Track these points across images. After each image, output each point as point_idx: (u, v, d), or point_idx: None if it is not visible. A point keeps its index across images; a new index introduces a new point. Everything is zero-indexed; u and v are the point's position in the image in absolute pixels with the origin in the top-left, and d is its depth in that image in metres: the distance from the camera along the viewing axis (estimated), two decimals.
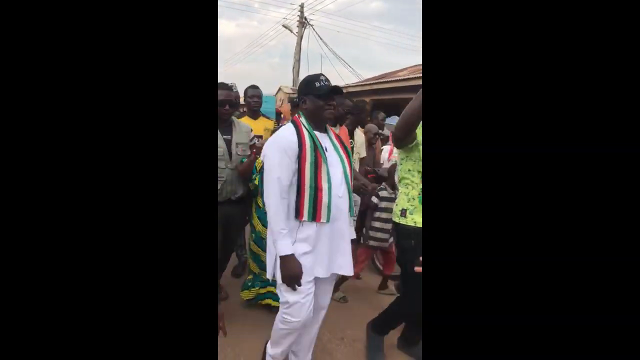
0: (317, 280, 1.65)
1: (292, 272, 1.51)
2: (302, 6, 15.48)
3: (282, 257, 1.52)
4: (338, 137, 1.74)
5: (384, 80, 7.97)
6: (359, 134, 2.93)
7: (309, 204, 1.55)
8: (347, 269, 1.69)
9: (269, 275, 1.67)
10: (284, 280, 1.55)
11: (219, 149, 2.16)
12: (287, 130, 1.60)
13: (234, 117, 2.36)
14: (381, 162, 3.61)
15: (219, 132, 2.18)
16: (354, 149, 2.77)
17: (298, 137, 1.55)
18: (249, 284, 2.39)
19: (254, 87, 3.14)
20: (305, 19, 15.11)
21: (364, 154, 2.94)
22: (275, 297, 2.21)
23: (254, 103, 3.06)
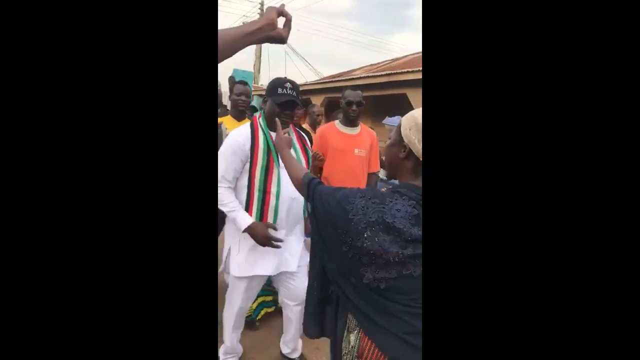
0: (275, 278, 1.74)
1: (263, 236, 1.54)
2: (262, 3, 15.36)
3: (247, 229, 1.55)
4: (300, 138, 1.76)
5: (340, 79, 8.21)
6: None
7: (257, 206, 1.57)
8: (292, 265, 1.71)
9: (221, 268, 1.71)
10: (261, 244, 1.57)
11: None
12: (242, 132, 1.60)
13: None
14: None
15: None
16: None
17: (252, 139, 1.56)
18: None
19: (244, 83, 2.57)
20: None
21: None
22: (268, 304, 2.31)
23: (241, 102, 2.44)
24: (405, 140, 0.85)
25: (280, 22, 0.87)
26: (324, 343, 2.15)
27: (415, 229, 0.78)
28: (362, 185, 2.31)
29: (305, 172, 1.05)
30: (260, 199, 1.56)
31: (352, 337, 0.91)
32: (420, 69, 5.36)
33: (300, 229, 1.78)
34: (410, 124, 0.86)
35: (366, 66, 11.03)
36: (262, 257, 1.61)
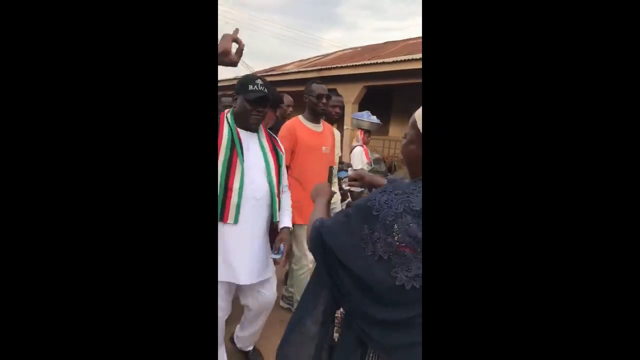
0: (240, 287, 1.62)
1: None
2: None
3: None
4: (271, 139, 1.68)
5: (272, 73, 8.20)
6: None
7: (218, 203, 1.48)
8: (266, 273, 1.62)
9: None
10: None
11: None
12: None
13: None
14: (356, 166, 3.35)
15: None
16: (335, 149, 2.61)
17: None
18: None
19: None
20: None
21: (340, 152, 2.79)
22: None
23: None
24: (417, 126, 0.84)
25: (234, 46, 0.98)
26: (274, 334, 2.15)
27: None
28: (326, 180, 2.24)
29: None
30: (221, 195, 1.47)
31: None
32: (349, 64, 5.59)
33: (266, 232, 1.65)
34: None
35: (297, 61, 11.12)
36: (230, 264, 1.52)
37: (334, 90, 2.30)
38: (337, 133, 2.76)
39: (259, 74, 9.14)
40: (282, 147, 1.73)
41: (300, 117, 2.27)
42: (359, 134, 3.63)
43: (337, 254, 0.83)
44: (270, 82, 7.36)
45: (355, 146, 3.55)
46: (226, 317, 1.68)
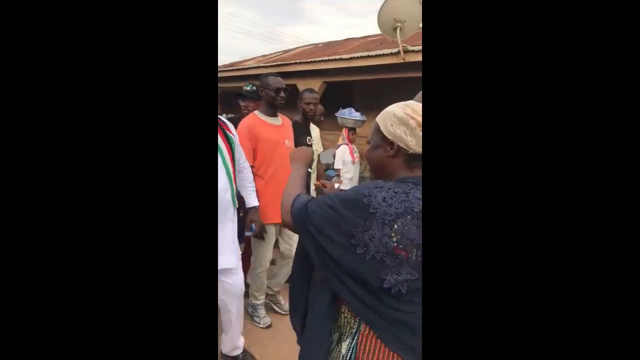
0: (219, 274, 1.65)
1: None
2: None
3: None
4: (220, 126, 1.69)
5: (232, 68, 8.14)
6: (314, 128, 2.73)
7: None
8: (231, 262, 1.68)
9: None
10: None
11: None
12: None
13: None
14: (337, 165, 3.28)
15: None
16: (312, 146, 2.59)
17: None
18: None
19: None
20: None
21: (320, 149, 2.76)
22: None
23: None
24: (391, 137, 0.83)
25: None
26: (265, 335, 2.20)
27: None
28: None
29: (299, 193, 0.91)
30: None
31: (344, 346, 0.85)
32: (308, 60, 5.69)
33: (231, 223, 1.70)
34: (391, 120, 0.83)
35: (258, 57, 11.05)
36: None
37: (295, 86, 2.37)
38: (315, 129, 2.76)
39: (221, 69, 8.99)
40: (232, 131, 1.76)
41: (256, 112, 2.24)
42: (344, 132, 3.59)
43: (324, 247, 0.78)
44: (230, 77, 7.19)
45: (340, 145, 3.52)
46: None
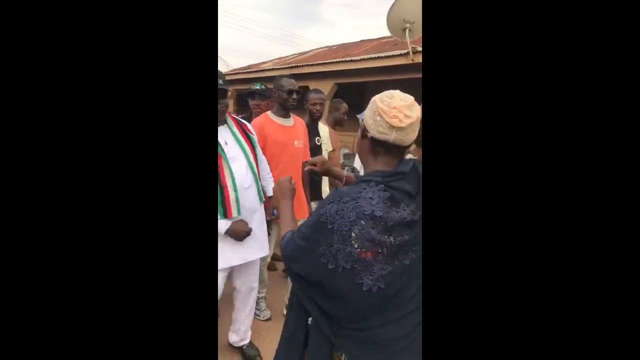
0: (237, 266, 1.74)
1: (244, 231, 1.61)
2: None
3: (228, 231, 1.58)
4: (240, 125, 1.77)
5: (249, 71, 8.37)
6: (322, 128, 2.75)
7: (218, 202, 1.55)
8: (261, 252, 1.79)
9: None
10: (240, 239, 1.63)
11: None
12: None
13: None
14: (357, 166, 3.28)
15: None
16: (322, 145, 2.61)
17: None
18: None
19: None
20: None
21: (331, 148, 2.77)
22: None
23: None
24: (365, 125, 0.86)
25: None
26: (270, 327, 2.30)
27: (393, 212, 0.77)
28: (300, 175, 2.23)
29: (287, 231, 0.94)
30: (219, 194, 1.56)
31: None
32: (320, 62, 5.85)
33: (260, 215, 1.79)
34: (368, 111, 0.85)
35: (275, 59, 11.27)
36: (232, 249, 1.64)
37: (307, 88, 2.37)
38: (324, 128, 2.74)
39: (237, 71, 9.20)
40: (251, 130, 1.84)
41: (269, 112, 2.29)
42: None
43: (305, 277, 0.83)
44: (247, 79, 7.33)
45: None
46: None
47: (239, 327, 1.97)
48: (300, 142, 2.30)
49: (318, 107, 2.55)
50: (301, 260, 0.83)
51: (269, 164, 2.15)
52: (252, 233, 1.69)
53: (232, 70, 11.14)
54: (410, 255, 0.80)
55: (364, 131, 0.86)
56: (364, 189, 0.79)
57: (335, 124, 2.98)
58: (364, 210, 0.75)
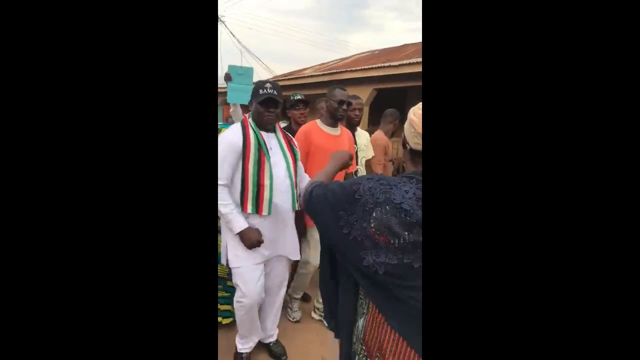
0: (267, 262, 1.80)
1: (253, 241, 1.65)
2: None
3: (240, 233, 1.64)
4: (287, 137, 1.86)
5: (290, 77, 8.56)
6: (361, 134, 2.75)
7: (252, 199, 1.65)
8: (294, 254, 1.85)
9: (222, 261, 1.78)
10: (248, 247, 1.67)
11: None
12: (233, 131, 1.71)
13: None
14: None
15: None
16: (357, 152, 2.60)
17: (243, 137, 1.66)
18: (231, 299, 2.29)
19: None
20: (217, 15, 15.00)
21: (369, 155, 2.76)
22: (225, 314, 2.24)
23: None
24: (404, 136, 0.89)
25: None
26: (299, 329, 2.34)
27: (419, 211, 0.77)
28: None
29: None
30: (254, 192, 1.65)
31: (360, 322, 0.91)
32: (358, 68, 5.87)
33: (290, 221, 1.85)
34: (406, 123, 0.87)
35: (316, 65, 11.45)
36: (257, 249, 1.71)
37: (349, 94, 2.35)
38: (365, 134, 2.73)
39: (278, 78, 9.46)
40: (296, 144, 1.93)
41: (317, 120, 2.34)
42: None
43: (318, 228, 0.90)
44: (288, 85, 7.48)
45: None
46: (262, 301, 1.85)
47: (267, 325, 2.01)
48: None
49: (357, 113, 2.57)
50: (322, 214, 0.88)
51: (312, 169, 2.22)
52: (281, 235, 1.77)
53: (273, 78, 11.46)
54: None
55: (404, 142, 0.89)
56: (404, 181, 0.81)
57: (392, 134, 2.98)
58: (393, 198, 0.77)
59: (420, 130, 0.81)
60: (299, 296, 2.52)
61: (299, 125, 2.40)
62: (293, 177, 1.79)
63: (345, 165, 1.15)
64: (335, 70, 6.76)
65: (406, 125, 0.87)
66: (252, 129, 1.70)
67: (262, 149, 1.67)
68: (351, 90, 5.97)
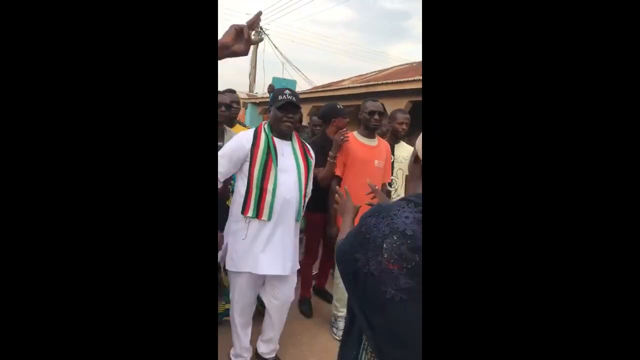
0: (268, 276, 1.79)
1: None
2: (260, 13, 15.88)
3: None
4: (303, 147, 1.86)
5: (328, 89, 8.83)
6: (404, 147, 2.75)
7: (253, 202, 1.67)
8: (286, 269, 1.77)
9: (219, 260, 1.83)
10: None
11: None
12: (246, 135, 1.74)
13: (225, 125, 2.38)
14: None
15: None
16: (394, 164, 2.63)
17: (254, 140, 1.69)
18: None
19: (231, 91, 2.85)
20: (261, 28, 15.67)
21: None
22: None
23: (233, 110, 2.65)
24: (417, 151, 0.92)
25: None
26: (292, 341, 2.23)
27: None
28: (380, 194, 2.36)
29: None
30: (257, 195, 1.67)
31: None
32: (393, 81, 6.02)
33: (294, 230, 1.84)
34: (420, 137, 0.91)
35: (355, 77, 11.67)
36: (254, 256, 1.70)
37: (382, 105, 2.45)
38: (407, 147, 2.73)
39: (317, 89, 9.67)
40: (312, 154, 1.92)
41: (355, 132, 2.42)
42: None
43: (345, 284, 0.91)
44: (326, 97, 7.64)
45: None
46: (253, 312, 1.89)
47: (268, 339, 1.98)
48: (381, 162, 2.41)
49: (404, 127, 2.64)
50: (343, 262, 0.93)
51: (349, 179, 2.28)
52: (280, 245, 1.74)
53: (312, 88, 11.79)
54: None
55: (417, 157, 0.93)
56: (402, 207, 0.85)
57: None
58: (397, 227, 0.82)
59: None
60: (342, 312, 2.44)
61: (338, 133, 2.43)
62: (303, 187, 1.78)
63: (355, 210, 1.21)
64: (372, 82, 6.96)
65: (419, 138, 0.92)
66: (265, 133, 1.73)
67: (270, 154, 1.69)
68: (387, 102, 6.16)
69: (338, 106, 2.55)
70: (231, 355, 1.96)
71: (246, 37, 0.93)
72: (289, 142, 1.81)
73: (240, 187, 1.72)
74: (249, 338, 1.92)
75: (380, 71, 11.53)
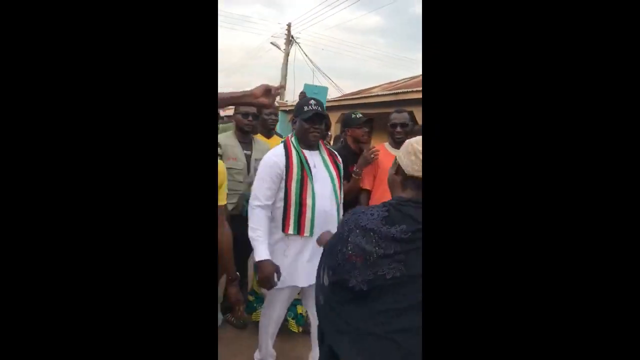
0: (304, 288, 1.75)
1: (266, 275, 1.60)
2: (289, 25, 16.29)
3: (258, 262, 1.61)
4: (331, 154, 1.84)
5: (357, 96, 8.87)
6: None
7: (294, 219, 1.65)
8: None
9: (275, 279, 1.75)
10: (260, 283, 1.68)
11: (239, 163, 2.22)
12: (276, 152, 1.71)
13: (253, 135, 2.38)
14: None
15: (240, 147, 2.26)
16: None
17: (286, 157, 1.66)
18: (254, 305, 2.34)
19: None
20: (292, 37, 16.00)
21: None
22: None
23: (270, 121, 2.64)
24: (399, 164, 0.99)
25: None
26: None
27: (384, 228, 0.89)
28: None
29: None
30: (296, 212, 1.65)
31: None
32: (419, 89, 5.95)
33: None
34: (402, 152, 1.00)
35: (385, 84, 11.62)
36: (297, 270, 1.71)
37: (411, 113, 2.41)
38: None
39: (347, 96, 9.68)
40: (339, 159, 1.90)
41: (386, 143, 2.37)
42: None
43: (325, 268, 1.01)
44: (355, 104, 7.57)
45: None
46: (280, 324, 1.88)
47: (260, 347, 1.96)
48: None
49: (399, 129, 2.48)
50: (325, 255, 1.04)
51: (378, 193, 2.20)
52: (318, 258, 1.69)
53: (342, 95, 11.87)
54: (393, 271, 0.88)
55: (399, 168, 1.00)
56: (374, 207, 0.95)
57: None
58: (360, 223, 0.92)
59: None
60: None
61: (357, 143, 2.38)
62: (339, 195, 1.78)
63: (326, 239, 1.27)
64: (402, 90, 6.96)
65: (403, 153, 0.99)
66: (295, 147, 1.70)
67: (304, 168, 1.67)
68: (418, 111, 6.11)
69: (353, 115, 2.47)
70: (255, 358, 1.99)
71: (273, 93, 1.20)
72: (317, 151, 1.79)
73: (276, 203, 1.70)
74: (273, 344, 1.94)
75: (412, 78, 11.42)
